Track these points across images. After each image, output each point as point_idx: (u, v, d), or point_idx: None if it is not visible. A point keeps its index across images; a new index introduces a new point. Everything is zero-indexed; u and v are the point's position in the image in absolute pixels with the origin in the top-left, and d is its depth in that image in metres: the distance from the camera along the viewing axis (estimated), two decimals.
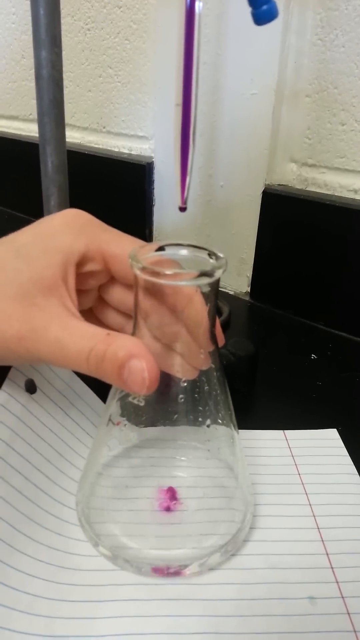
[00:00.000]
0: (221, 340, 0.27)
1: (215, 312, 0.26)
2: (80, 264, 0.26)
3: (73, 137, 0.72)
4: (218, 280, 0.24)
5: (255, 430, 0.36)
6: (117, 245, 0.26)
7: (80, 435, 0.32)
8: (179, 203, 0.22)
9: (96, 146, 0.69)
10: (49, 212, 0.36)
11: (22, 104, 0.79)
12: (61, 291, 0.24)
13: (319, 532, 0.28)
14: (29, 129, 0.79)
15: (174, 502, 0.28)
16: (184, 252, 0.25)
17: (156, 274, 0.22)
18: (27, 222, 0.27)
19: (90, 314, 0.30)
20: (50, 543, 0.26)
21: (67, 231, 0.26)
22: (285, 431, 0.36)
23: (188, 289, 0.24)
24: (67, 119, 0.70)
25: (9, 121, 0.82)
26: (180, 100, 0.21)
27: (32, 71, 0.34)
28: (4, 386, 0.27)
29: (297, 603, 0.24)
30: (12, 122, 0.82)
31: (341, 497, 0.30)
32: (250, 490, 0.29)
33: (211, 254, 0.24)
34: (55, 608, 0.23)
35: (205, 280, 0.23)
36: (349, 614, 0.24)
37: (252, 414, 0.38)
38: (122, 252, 0.26)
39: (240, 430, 0.34)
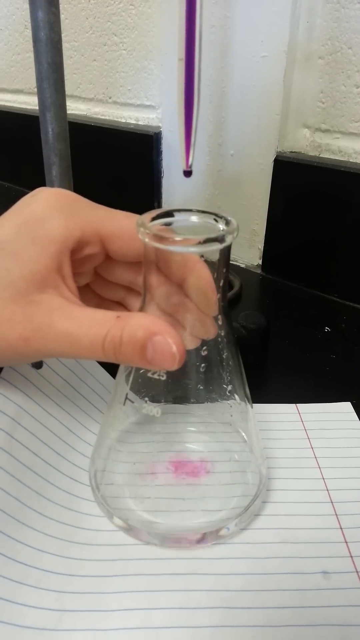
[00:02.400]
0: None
1: (227, 280, 0.25)
2: (76, 249, 0.24)
3: (79, 109, 0.70)
4: (229, 247, 0.23)
5: (267, 404, 0.35)
6: (113, 223, 0.25)
7: (90, 410, 0.31)
8: (183, 166, 0.21)
9: (102, 117, 0.68)
10: (51, 183, 0.35)
11: (27, 76, 0.77)
12: (57, 282, 0.23)
13: (333, 505, 0.28)
14: (35, 103, 0.77)
15: (189, 474, 0.28)
16: (193, 218, 0.24)
17: (165, 240, 0.21)
18: None
19: (88, 290, 0.28)
20: (60, 518, 0.26)
21: (56, 216, 0.23)
22: (298, 405, 0.35)
23: (194, 257, 0.23)
24: (73, 91, 0.69)
25: (15, 95, 0.81)
26: (183, 54, 0.19)
27: None
28: None
29: (310, 577, 0.24)
30: (17, 95, 0.80)
31: (355, 471, 0.30)
32: (264, 464, 0.28)
33: (220, 219, 0.23)
34: (65, 582, 0.23)
35: (216, 246, 0.22)
36: None
37: (264, 387, 0.38)
38: (120, 230, 0.25)
39: (252, 404, 0.33)
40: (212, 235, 0.21)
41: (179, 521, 0.26)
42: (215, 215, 0.24)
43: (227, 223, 0.23)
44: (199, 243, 0.21)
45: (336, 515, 0.27)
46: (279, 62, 0.47)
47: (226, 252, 0.23)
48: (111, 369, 0.33)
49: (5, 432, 0.25)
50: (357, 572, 0.24)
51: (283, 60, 0.47)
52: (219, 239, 0.22)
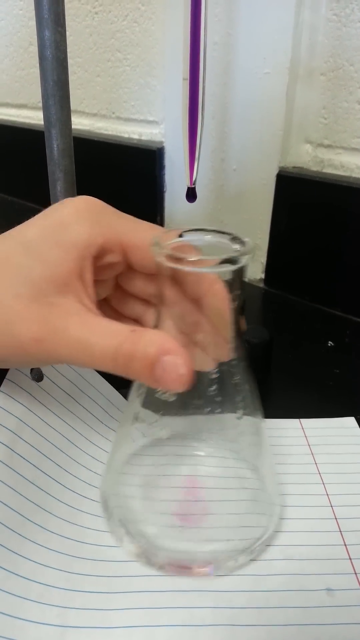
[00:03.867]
0: (243, 326, 0.26)
1: (242, 301, 0.24)
2: (98, 256, 0.24)
3: (82, 124, 0.71)
4: (244, 267, 0.23)
5: (270, 419, 0.35)
6: (136, 234, 0.25)
7: (92, 422, 0.31)
8: (187, 183, 0.21)
9: (106, 132, 0.68)
10: (56, 198, 0.36)
11: (31, 91, 0.78)
12: (77, 288, 0.23)
13: (337, 522, 0.27)
14: (39, 117, 0.78)
15: (198, 504, 0.28)
16: (207, 237, 0.24)
17: (180, 260, 0.21)
18: (37, 212, 0.25)
19: (106, 304, 0.28)
20: (62, 532, 0.26)
21: (81, 222, 0.23)
22: (302, 420, 0.35)
23: (212, 277, 0.23)
24: (76, 106, 0.69)
25: (19, 110, 0.81)
26: (187, 74, 0.20)
27: None
28: (9, 374, 0.27)
29: (314, 595, 0.24)
30: (21, 110, 0.81)
31: (359, 487, 0.30)
32: (277, 492, 0.28)
33: (235, 239, 0.23)
34: (67, 598, 0.23)
35: (231, 267, 0.22)
36: None
37: (267, 402, 0.37)
38: (142, 241, 0.25)
39: None
40: (227, 256, 0.21)
41: (186, 550, 0.26)
42: (230, 235, 0.24)
43: (242, 244, 0.23)
44: (214, 264, 0.21)
45: (340, 531, 0.27)
46: (282, 78, 0.48)
47: (240, 273, 0.23)
48: (113, 380, 0.33)
49: (6, 446, 0.25)
50: None
51: (285, 76, 0.48)
52: (233, 260, 0.22)
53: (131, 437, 0.28)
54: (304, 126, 0.50)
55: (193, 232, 0.24)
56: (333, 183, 0.48)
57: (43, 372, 0.29)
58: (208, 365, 0.25)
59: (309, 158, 0.51)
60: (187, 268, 0.22)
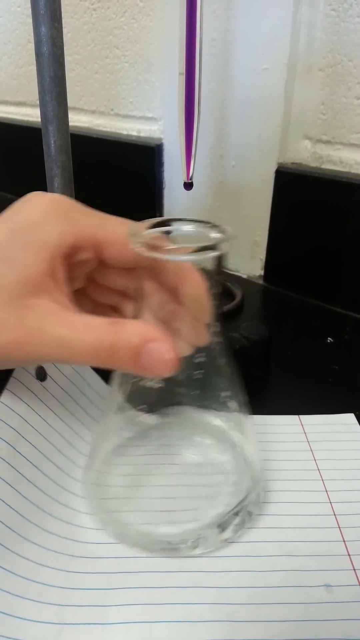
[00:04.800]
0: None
1: (220, 288, 0.25)
2: (69, 255, 0.24)
3: (81, 120, 0.70)
4: (223, 255, 0.23)
5: (269, 415, 0.35)
6: (109, 229, 0.25)
7: (90, 423, 0.31)
8: (184, 178, 0.21)
9: (104, 129, 0.68)
10: None
11: (29, 89, 0.78)
12: (51, 287, 0.23)
13: (336, 518, 0.27)
14: (37, 115, 0.78)
15: (181, 481, 0.28)
16: (187, 227, 0.24)
17: (158, 249, 0.21)
18: None
19: (82, 294, 0.28)
20: (60, 532, 0.25)
21: (50, 222, 0.23)
22: (301, 416, 0.35)
23: (188, 264, 0.23)
24: (75, 103, 0.69)
25: (17, 107, 0.81)
26: (183, 68, 0.19)
27: None
28: (15, 373, 0.27)
29: (313, 591, 0.24)
30: (20, 108, 0.81)
31: (358, 483, 0.30)
32: (260, 469, 0.28)
33: (214, 227, 0.23)
34: (65, 596, 0.23)
35: (209, 255, 0.22)
36: None
37: (266, 399, 0.38)
38: (117, 237, 0.25)
39: (254, 416, 0.33)
40: (205, 244, 0.21)
41: (172, 528, 0.26)
42: (209, 223, 0.24)
43: (221, 231, 0.23)
44: (192, 251, 0.21)
45: (339, 527, 0.27)
46: (280, 74, 0.48)
47: (220, 260, 0.23)
48: (108, 379, 0.33)
49: (9, 445, 0.25)
50: None
51: (284, 72, 0.48)
52: (212, 247, 0.22)
53: (112, 427, 0.28)
54: (302, 122, 0.50)
55: (172, 221, 0.24)
56: (332, 179, 0.48)
57: (46, 371, 0.29)
58: (185, 350, 0.25)
59: (308, 154, 0.51)
60: (165, 256, 0.22)
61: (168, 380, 0.25)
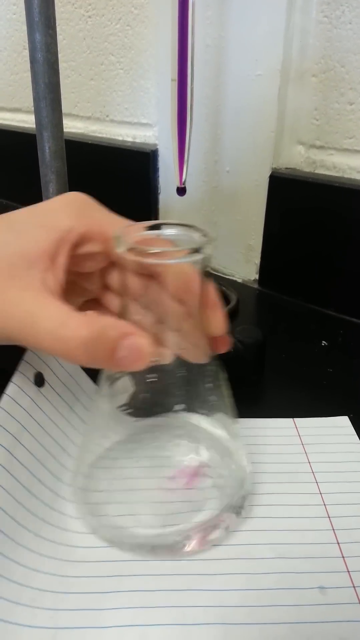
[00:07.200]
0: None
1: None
2: (78, 244, 0.25)
3: (76, 127, 0.71)
4: (206, 258, 0.23)
5: (264, 418, 0.35)
6: (115, 227, 0.25)
7: (83, 429, 0.31)
8: (177, 183, 0.22)
9: (99, 135, 0.68)
10: None
11: (25, 95, 0.78)
12: (44, 267, 0.23)
13: (330, 520, 0.27)
14: (33, 121, 0.78)
15: (168, 484, 0.28)
16: (171, 231, 0.24)
17: (140, 253, 0.22)
18: None
19: (96, 303, 0.29)
20: (54, 538, 0.26)
21: (66, 211, 0.25)
22: (295, 419, 0.35)
23: (179, 267, 0.23)
24: (70, 109, 0.70)
25: (13, 114, 0.82)
26: (176, 75, 0.20)
27: None
28: (14, 379, 0.27)
29: (307, 593, 0.24)
30: (16, 114, 0.81)
31: (352, 486, 0.30)
32: (247, 470, 0.28)
33: (197, 231, 0.24)
34: (59, 600, 0.23)
35: (194, 258, 0.22)
36: None
37: (260, 402, 0.38)
38: None
39: (248, 419, 0.33)
40: (192, 246, 0.22)
41: (161, 530, 0.26)
42: (192, 227, 0.24)
43: (204, 236, 0.23)
44: (173, 255, 0.22)
45: (333, 530, 0.27)
46: (274, 80, 0.48)
47: (204, 264, 0.24)
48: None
49: (7, 450, 0.25)
50: (354, 587, 0.24)
51: (277, 78, 0.48)
52: (198, 250, 0.22)
53: (99, 431, 0.28)
54: (296, 128, 0.51)
55: (158, 226, 0.25)
56: (325, 184, 0.48)
57: (45, 378, 0.29)
58: (201, 357, 0.26)
59: (302, 159, 0.52)
60: (147, 260, 0.22)
61: (156, 383, 0.25)
